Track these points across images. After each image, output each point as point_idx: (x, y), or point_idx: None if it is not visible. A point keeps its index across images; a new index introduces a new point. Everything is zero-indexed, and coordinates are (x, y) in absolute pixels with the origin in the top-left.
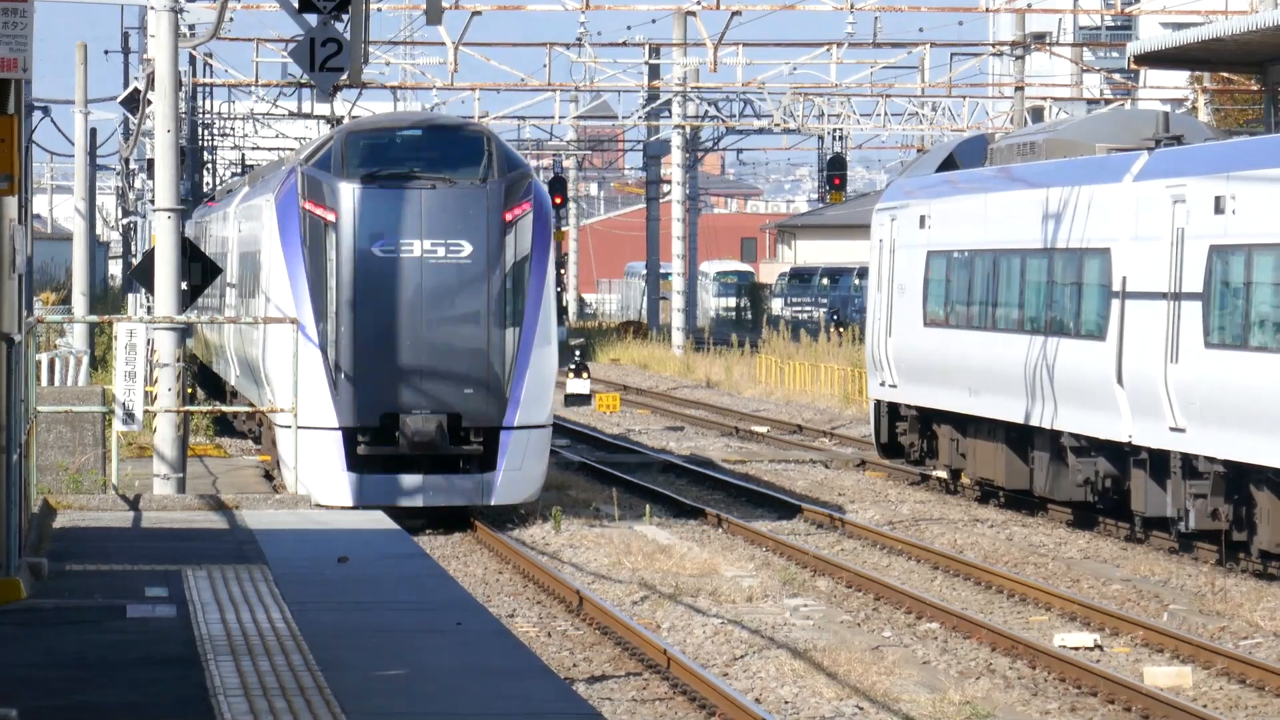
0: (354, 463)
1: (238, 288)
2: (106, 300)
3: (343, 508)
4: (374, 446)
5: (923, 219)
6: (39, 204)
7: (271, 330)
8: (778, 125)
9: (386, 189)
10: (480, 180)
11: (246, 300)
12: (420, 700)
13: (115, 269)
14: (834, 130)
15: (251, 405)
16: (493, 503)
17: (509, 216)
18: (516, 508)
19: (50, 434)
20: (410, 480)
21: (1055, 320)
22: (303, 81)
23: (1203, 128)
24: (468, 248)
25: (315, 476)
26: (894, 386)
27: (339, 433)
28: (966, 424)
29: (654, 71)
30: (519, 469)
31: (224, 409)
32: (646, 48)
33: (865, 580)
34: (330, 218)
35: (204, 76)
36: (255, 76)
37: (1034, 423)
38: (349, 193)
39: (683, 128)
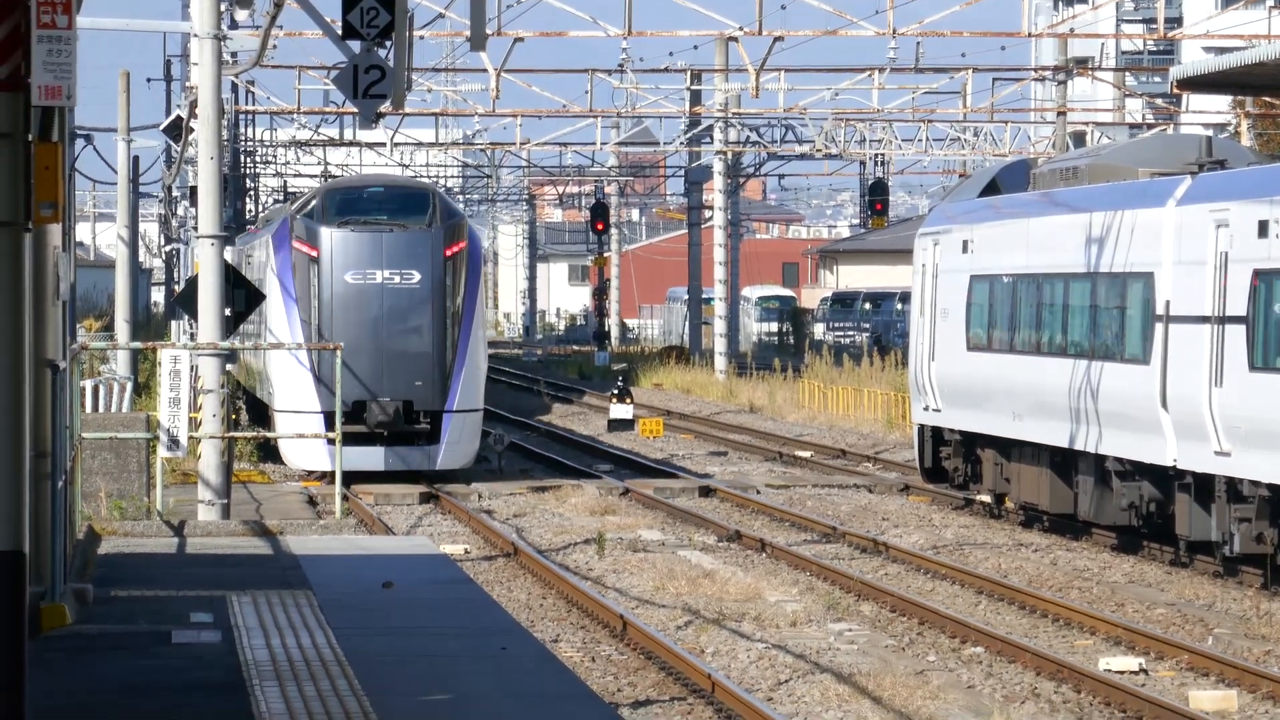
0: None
1: None
2: (149, 327)
3: (323, 472)
4: (347, 424)
5: (965, 244)
6: (81, 231)
7: (273, 338)
8: (819, 151)
9: (357, 232)
10: (427, 226)
11: (256, 321)
12: None
13: (158, 296)
14: (876, 155)
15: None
16: (437, 468)
17: (449, 253)
18: (455, 472)
19: (95, 460)
20: (375, 451)
21: (1099, 344)
22: (345, 109)
23: (1246, 152)
24: (418, 276)
25: (302, 449)
26: (937, 411)
27: (320, 415)
28: (1010, 448)
29: (695, 97)
30: (458, 442)
31: (268, 434)
32: (688, 74)
33: (909, 605)
34: (314, 254)
35: (246, 104)
36: (297, 103)
37: (1078, 447)
38: (328, 235)
39: (724, 153)
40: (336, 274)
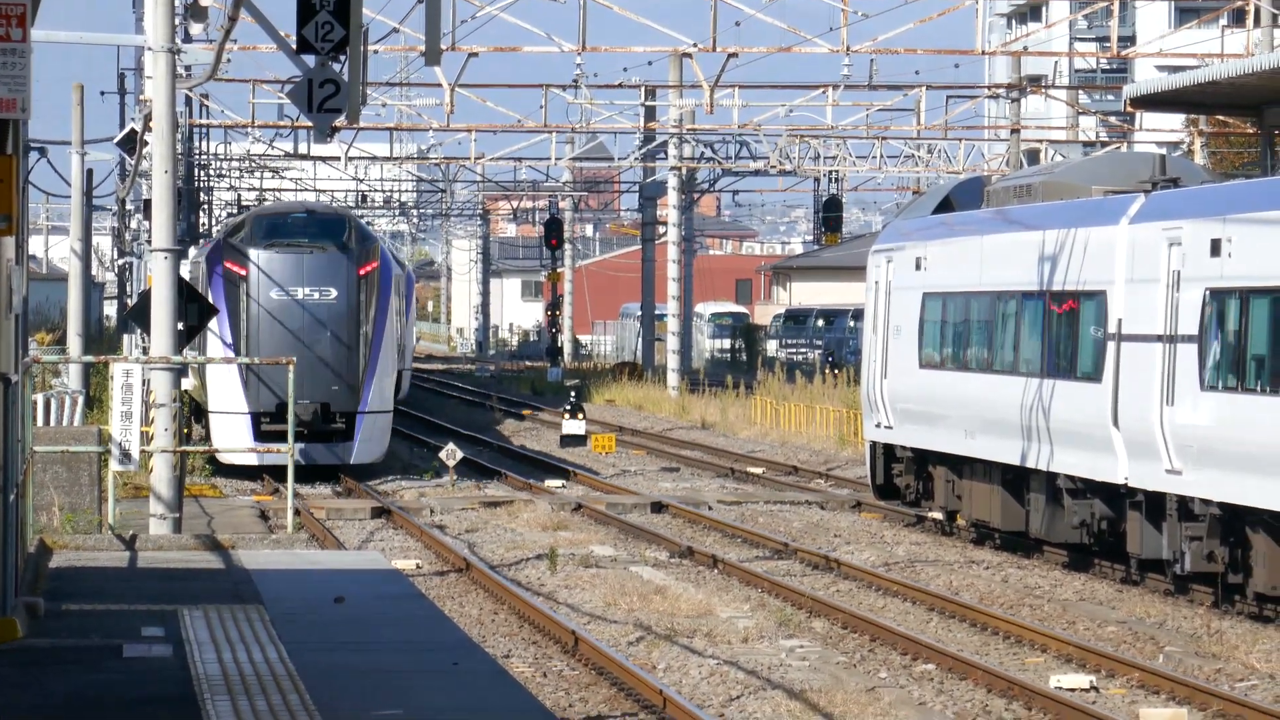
0: (259, 436)
1: None
2: (102, 341)
3: (250, 466)
4: (272, 424)
5: (919, 261)
6: (35, 244)
7: (209, 349)
8: (773, 167)
9: (281, 253)
10: (343, 248)
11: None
12: None
13: (110, 309)
14: (830, 172)
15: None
16: (351, 462)
17: (362, 272)
18: (369, 465)
19: (46, 474)
20: (297, 447)
21: (1051, 362)
22: (299, 123)
23: (1199, 170)
24: (334, 293)
25: (233, 445)
26: (890, 428)
27: (248, 415)
28: (962, 466)
29: (650, 113)
30: (370, 440)
31: (219, 449)
32: (643, 89)
33: (861, 621)
34: (243, 273)
35: (200, 117)
36: (251, 117)
37: (1030, 464)
38: (256, 256)
39: (679, 169)
40: (263, 291)
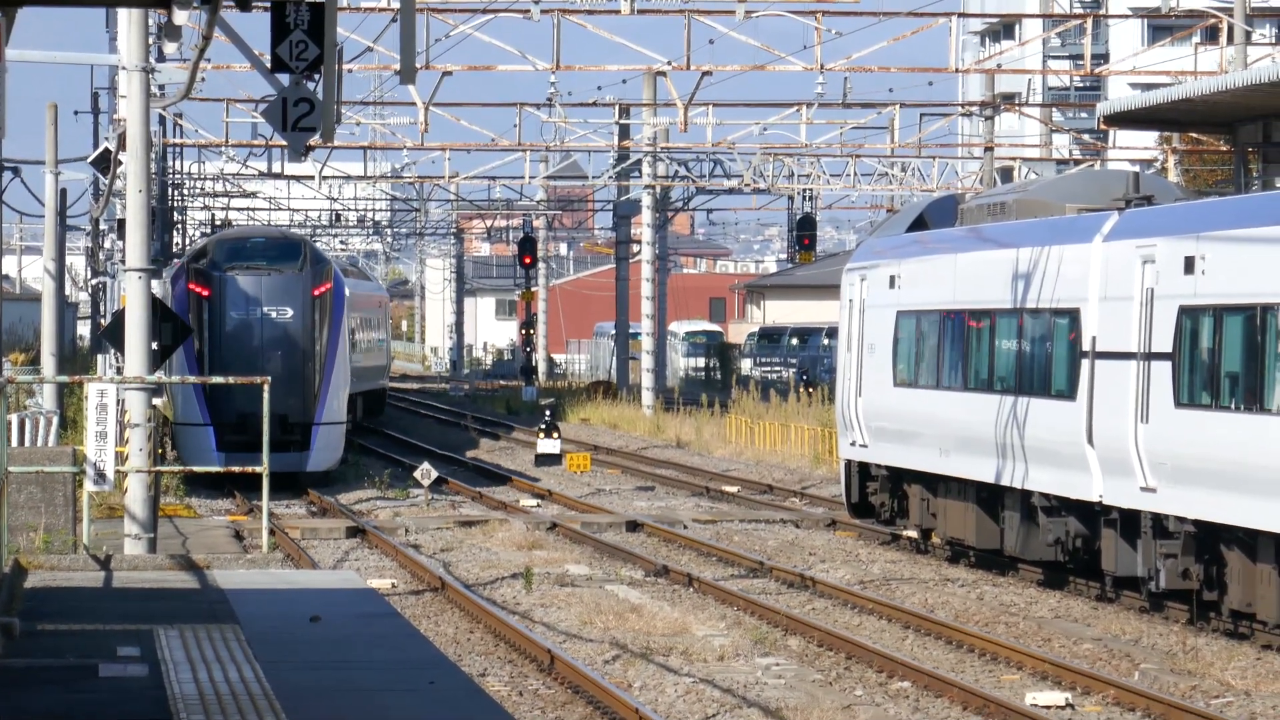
0: (221, 445)
1: None
2: (75, 361)
3: (209, 469)
4: (233, 435)
5: (892, 279)
6: (8, 264)
7: (174, 365)
8: (747, 185)
9: (242, 275)
10: (300, 270)
11: None
12: None
13: (84, 329)
14: (804, 190)
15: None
16: (308, 470)
17: (317, 292)
18: (326, 473)
19: (21, 494)
20: (256, 457)
21: (1025, 380)
22: (274, 142)
23: (1173, 188)
24: (291, 312)
25: (196, 455)
26: (864, 446)
27: (209, 426)
28: (937, 484)
29: (624, 131)
30: (325, 448)
31: (195, 469)
32: (617, 108)
33: (837, 639)
34: (205, 293)
35: (174, 136)
36: (225, 137)
37: (1004, 482)
38: (218, 278)
39: (653, 188)
40: (225, 310)
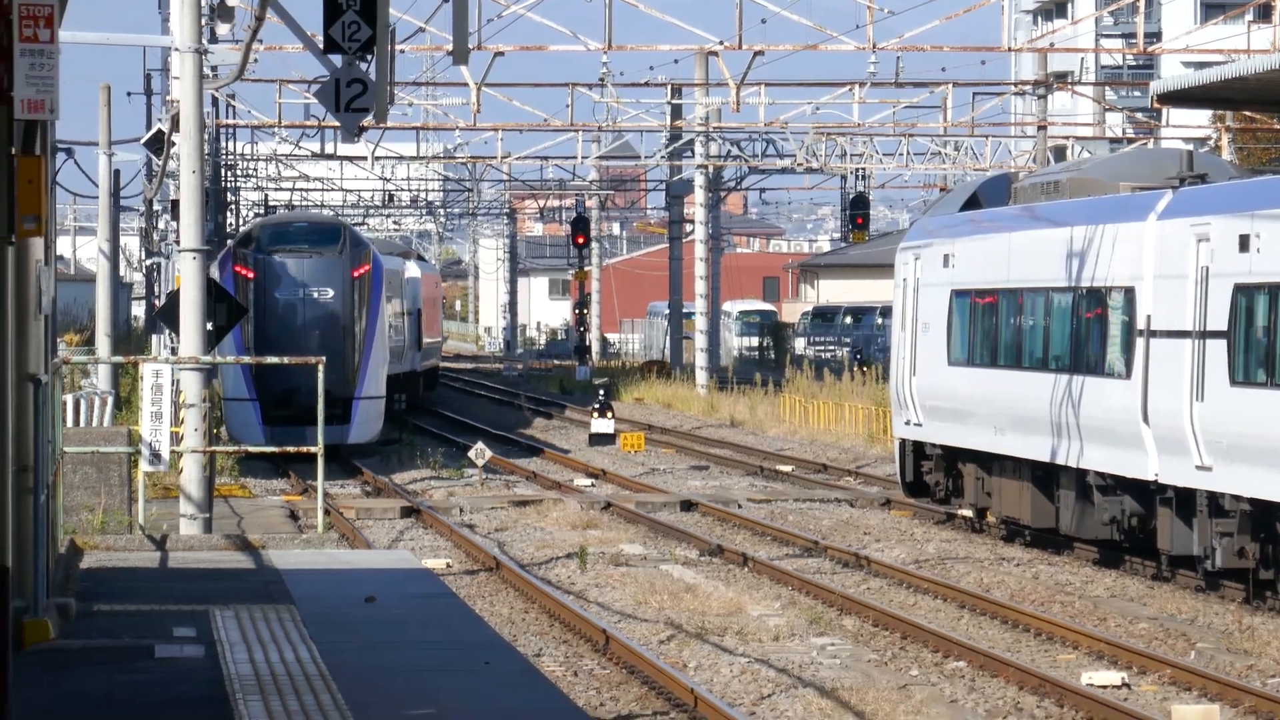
0: (266, 419)
1: None
2: (130, 341)
3: (262, 448)
4: (277, 409)
5: (946, 258)
6: (62, 245)
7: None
8: (800, 165)
9: (285, 258)
10: (340, 252)
11: None
12: None
13: (138, 310)
14: (857, 170)
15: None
16: (349, 442)
17: (356, 274)
18: (364, 445)
19: (76, 475)
20: (299, 431)
21: (1080, 359)
22: (326, 122)
23: (1227, 166)
24: (332, 292)
25: (242, 429)
26: (919, 425)
27: (256, 402)
28: (992, 462)
29: (676, 111)
30: (365, 423)
31: (250, 449)
32: (669, 88)
33: (892, 619)
34: (251, 275)
35: (227, 118)
36: (279, 118)
37: (1059, 461)
38: (263, 261)
39: (705, 167)
40: (269, 291)
